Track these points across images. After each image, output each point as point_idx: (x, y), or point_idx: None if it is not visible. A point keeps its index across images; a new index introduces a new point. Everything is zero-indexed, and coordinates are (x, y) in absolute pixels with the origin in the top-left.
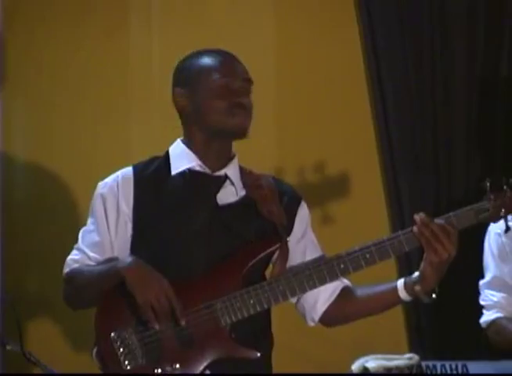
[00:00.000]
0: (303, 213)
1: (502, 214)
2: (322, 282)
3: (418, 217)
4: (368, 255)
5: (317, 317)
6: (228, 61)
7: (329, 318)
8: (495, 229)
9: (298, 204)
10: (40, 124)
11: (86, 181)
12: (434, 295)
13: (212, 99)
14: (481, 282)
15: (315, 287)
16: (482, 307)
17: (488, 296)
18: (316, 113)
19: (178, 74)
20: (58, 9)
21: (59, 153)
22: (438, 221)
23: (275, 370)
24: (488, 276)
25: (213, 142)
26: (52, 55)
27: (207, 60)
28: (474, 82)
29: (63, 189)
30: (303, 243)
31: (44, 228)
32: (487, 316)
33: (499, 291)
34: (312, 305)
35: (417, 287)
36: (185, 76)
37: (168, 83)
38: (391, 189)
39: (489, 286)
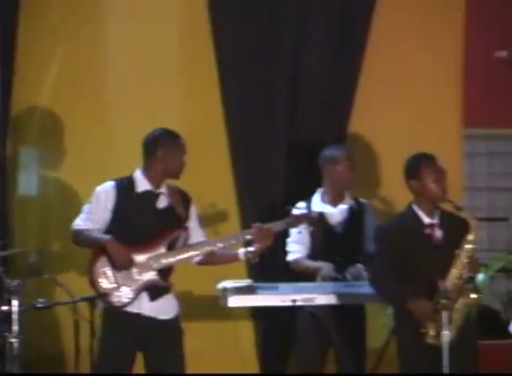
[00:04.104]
0: (193, 208)
1: (297, 225)
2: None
3: (255, 225)
4: (229, 239)
5: (196, 262)
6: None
7: (201, 263)
8: None
9: (190, 203)
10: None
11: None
12: (257, 260)
13: (179, 160)
14: None
15: (204, 252)
16: None
17: None
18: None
19: (155, 143)
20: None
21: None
22: (266, 226)
23: None
24: None
25: (163, 177)
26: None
27: (177, 140)
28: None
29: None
30: (192, 225)
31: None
32: None
33: None
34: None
35: (250, 256)
36: (161, 147)
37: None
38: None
39: None
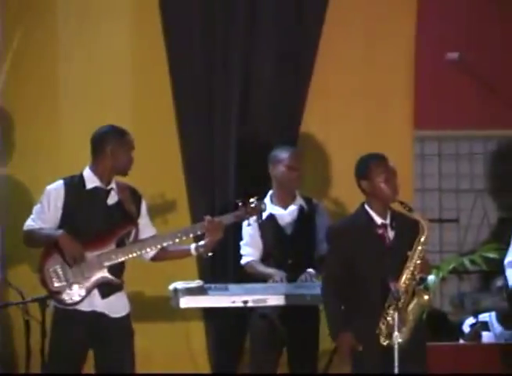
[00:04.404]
0: (143, 205)
1: (247, 217)
2: (159, 246)
3: (206, 218)
4: (179, 234)
5: (149, 259)
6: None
7: (154, 259)
8: None
9: (140, 199)
10: None
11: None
12: (210, 254)
13: (127, 156)
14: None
15: (155, 248)
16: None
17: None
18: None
19: (103, 140)
20: None
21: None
22: (217, 219)
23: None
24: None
25: (112, 174)
26: None
27: (125, 136)
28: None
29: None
30: (143, 222)
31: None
32: None
33: None
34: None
35: (201, 250)
36: (108, 143)
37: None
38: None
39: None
